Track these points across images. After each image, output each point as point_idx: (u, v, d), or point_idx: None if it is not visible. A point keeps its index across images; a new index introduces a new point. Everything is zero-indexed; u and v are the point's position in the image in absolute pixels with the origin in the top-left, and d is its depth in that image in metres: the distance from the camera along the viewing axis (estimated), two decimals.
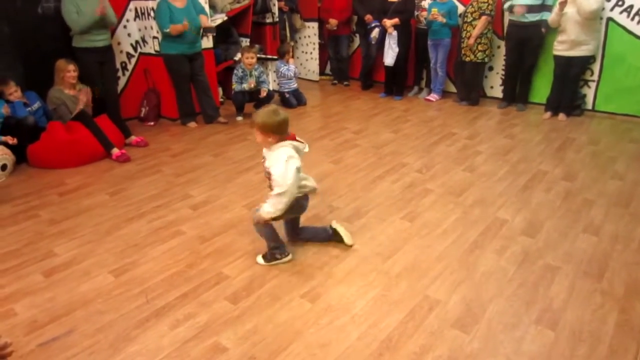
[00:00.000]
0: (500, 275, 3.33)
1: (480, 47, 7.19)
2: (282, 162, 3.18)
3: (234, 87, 7.08)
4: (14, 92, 5.61)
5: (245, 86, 7.01)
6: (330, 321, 2.91)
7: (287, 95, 7.85)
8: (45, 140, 5.44)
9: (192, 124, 6.90)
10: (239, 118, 7.22)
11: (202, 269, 3.47)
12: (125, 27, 6.89)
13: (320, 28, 9.24)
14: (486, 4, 6.95)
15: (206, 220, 4.19)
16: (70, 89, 5.74)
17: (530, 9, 6.64)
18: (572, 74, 6.65)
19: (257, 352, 2.68)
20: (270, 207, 3.25)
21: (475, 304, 3.04)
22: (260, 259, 3.52)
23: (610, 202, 4.35)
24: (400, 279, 3.31)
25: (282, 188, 3.18)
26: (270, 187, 3.33)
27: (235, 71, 7.05)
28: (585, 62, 6.65)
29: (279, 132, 3.25)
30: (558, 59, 6.65)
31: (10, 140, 5.25)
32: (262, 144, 3.38)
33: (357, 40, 9.13)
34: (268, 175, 3.34)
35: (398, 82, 8.16)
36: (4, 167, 5.12)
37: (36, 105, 5.80)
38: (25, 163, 5.53)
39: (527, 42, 6.91)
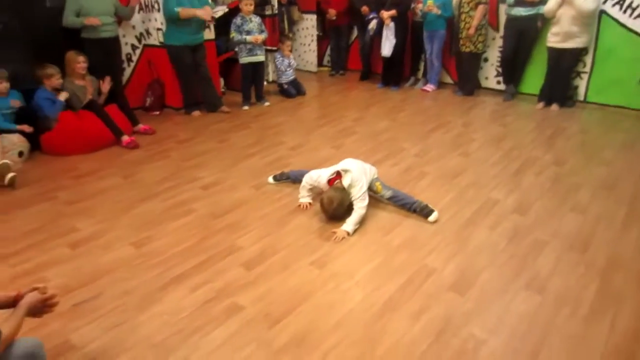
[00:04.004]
0: (492, 248, 3.60)
1: (480, 38, 7.42)
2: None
3: (232, 35, 7.05)
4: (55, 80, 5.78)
5: (249, 38, 6.98)
6: (336, 285, 3.19)
7: (286, 86, 8.08)
8: (57, 128, 5.65)
9: (196, 113, 7.12)
10: (245, 107, 7.42)
11: (216, 241, 3.73)
12: None
13: (319, 20, 9.47)
14: None
15: (216, 199, 4.44)
16: (80, 79, 5.95)
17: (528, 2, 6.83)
18: (564, 66, 6.84)
19: (271, 310, 2.95)
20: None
21: (469, 271, 3.31)
22: None
23: (597, 185, 4.60)
24: (400, 250, 3.59)
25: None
26: None
27: (234, 20, 7.05)
28: (577, 54, 6.83)
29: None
30: (551, 50, 6.84)
31: (27, 128, 5.48)
32: None
33: (356, 31, 9.38)
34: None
35: (395, 73, 8.40)
36: (20, 153, 5.32)
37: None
38: (38, 151, 5.70)
39: (522, 34, 7.09)
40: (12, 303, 2.27)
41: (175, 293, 3.14)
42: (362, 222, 3.93)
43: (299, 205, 4.24)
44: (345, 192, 3.94)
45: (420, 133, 6.11)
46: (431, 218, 3.97)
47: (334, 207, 3.87)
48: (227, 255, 3.54)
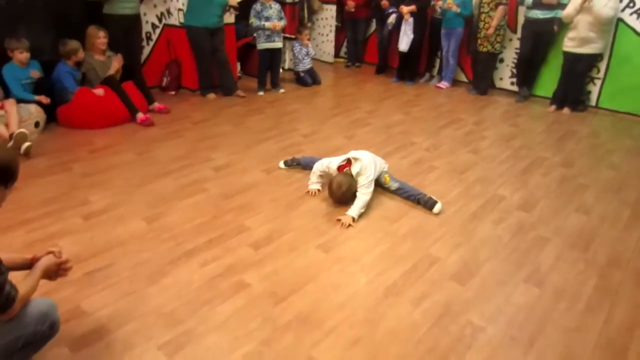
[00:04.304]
0: (496, 241, 3.68)
1: (497, 39, 7.43)
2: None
3: (251, 21, 7.15)
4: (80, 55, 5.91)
5: (267, 24, 7.05)
6: (342, 269, 3.28)
7: (302, 75, 8.15)
8: (74, 102, 5.75)
9: (212, 96, 7.20)
10: (261, 93, 7.51)
11: (226, 220, 3.82)
12: None
13: (338, 11, 9.50)
14: None
15: (228, 180, 4.53)
16: (100, 55, 6.04)
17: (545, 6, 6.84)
18: (579, 70, 6.87)
19: (277, 289, 3.05)
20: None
21: (472, 262, 3.39)
22: None
23: (603, 188, 4.66)
24: (406, 238, 3.67)
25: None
26: None
27: (253, 5, 7.14)
28: (592, 60, 6.85)
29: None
30: (567, 54, 6.85)
31: (44, 99, 5.57)
32: None
33: (374, 24, 9.38)
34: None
35: (410, 68, 8.46)
36: (37, 124, 5.42)
37: None
38: (54, 123, 5.82)
39: (539, 37, 7.11)
40: (28, 265, 2.36)
41: (185, 267, 3.24)
42: (368, 209, 4.02)
43: (308, 191, 4.32)
44: (353, 179, 4.04)
45: (432, 128, 6.17)
46: (435, 209, 4.05)
47: (343, 191, 3.98)
48: (235, 234, 3.63)
